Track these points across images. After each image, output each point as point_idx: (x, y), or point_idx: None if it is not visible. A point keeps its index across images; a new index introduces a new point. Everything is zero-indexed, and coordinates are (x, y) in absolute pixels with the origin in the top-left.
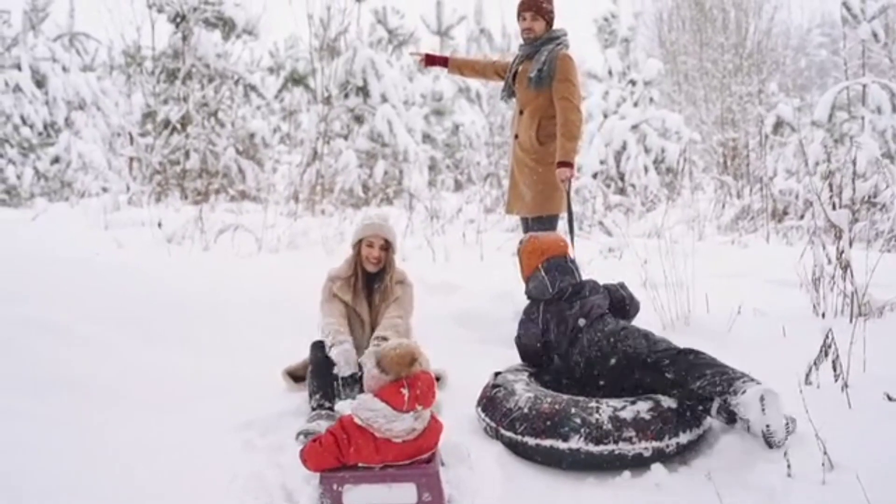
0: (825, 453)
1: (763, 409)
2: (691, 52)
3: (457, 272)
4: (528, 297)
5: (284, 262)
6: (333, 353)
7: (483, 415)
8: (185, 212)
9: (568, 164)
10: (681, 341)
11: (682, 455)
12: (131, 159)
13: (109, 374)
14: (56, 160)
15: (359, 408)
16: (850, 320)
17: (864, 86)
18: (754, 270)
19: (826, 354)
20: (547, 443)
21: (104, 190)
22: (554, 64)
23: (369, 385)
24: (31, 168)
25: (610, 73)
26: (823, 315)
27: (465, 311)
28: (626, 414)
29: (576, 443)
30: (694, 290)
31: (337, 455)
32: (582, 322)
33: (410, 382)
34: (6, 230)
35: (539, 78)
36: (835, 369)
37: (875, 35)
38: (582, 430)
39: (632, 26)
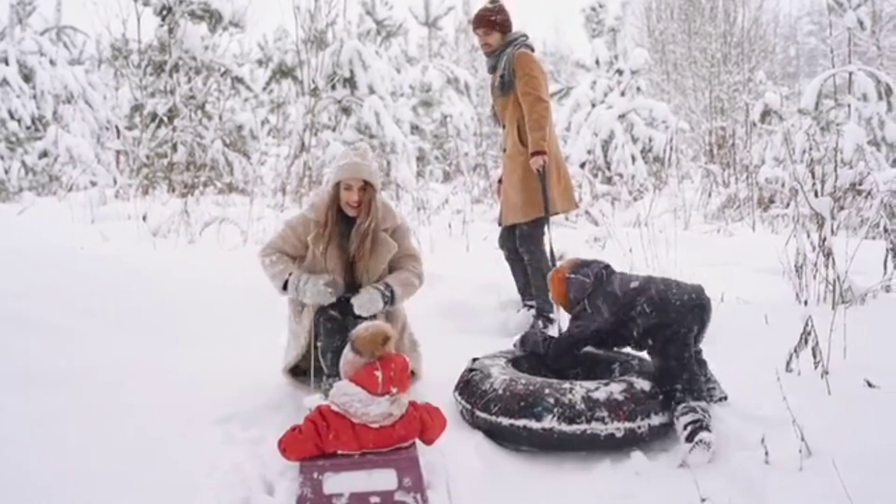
0: (803, 440)
1: (689, 450)
2: (680, 42)
3: (442, 263)
4: (575, 306)
5: None
6: (309, 291)
7: (460, 398)
8: (172, 205)
9: (539, 153)
10: None
11: (660, 441)
12: (118, 153)
13: (90, 367)
14: (44, 154)
15: (335, 394)
16: (832, 307)
17: (851, 73)
18: (739, 259)
19: (806, 342)
20: (521, 422)
21: (92, 184)
22: (512, 65)
23: (345, 370)
24: (19, 162)
25: (597, 62)
26: (806, 303)
27: (450, 302)
28: (599, 395)
29: (549, 422)
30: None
31: (317, 442)
32: (634, 284)
33: (383, 365)
34: None
35: (503, 84)
36: (815, 356)
37: (861, 23)
38: (555, 410)
39: (619, 16)
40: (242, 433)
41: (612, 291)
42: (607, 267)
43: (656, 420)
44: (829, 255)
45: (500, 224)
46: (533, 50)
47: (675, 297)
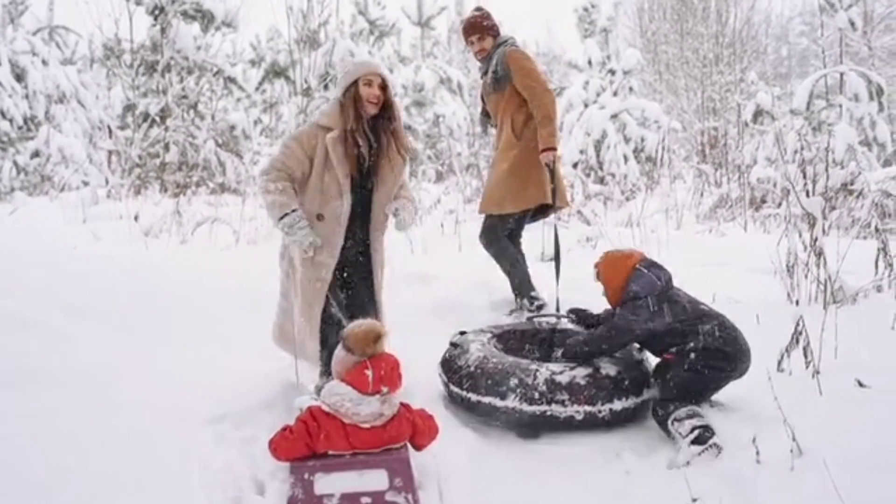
0: (794, 440)
1: (699, 453)
2: (672, 42)
3: (434, 263)
4: (630, 299)
5: (262, 254)
6: (298, 236)
7: (441, 371)
8: (164, 205)
9: (550, 149)
10: None
11: (651, 440)
12: (110, 153)
13: (82, 367)
14: (36, 154)
15: (326, 394)
16: (824, 307)
17: (842, 74)
18: (731, 259)
19: (797, 341)
20: (487, 400)
21: (84, 184)
22: (505, 62)
23: (336, 369)
24: (11, 162)
25: (590, 62)
26: (797, 302)
27: (442, 302)
28: (562, 378)
29: (511, 402)
30: None
31: (308, 442)
32: (704, 307)
33: (374, 363)
34: None
35: (496, 79)
36: (806, 356)
37: (852, 23)
38: (518, 391)
39: (611, 16)
40: (234, 433)
41: (679, 302)
42: (671, 279)
43: (619, 405)
44: (820, 254)
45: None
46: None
47: (742, 339)
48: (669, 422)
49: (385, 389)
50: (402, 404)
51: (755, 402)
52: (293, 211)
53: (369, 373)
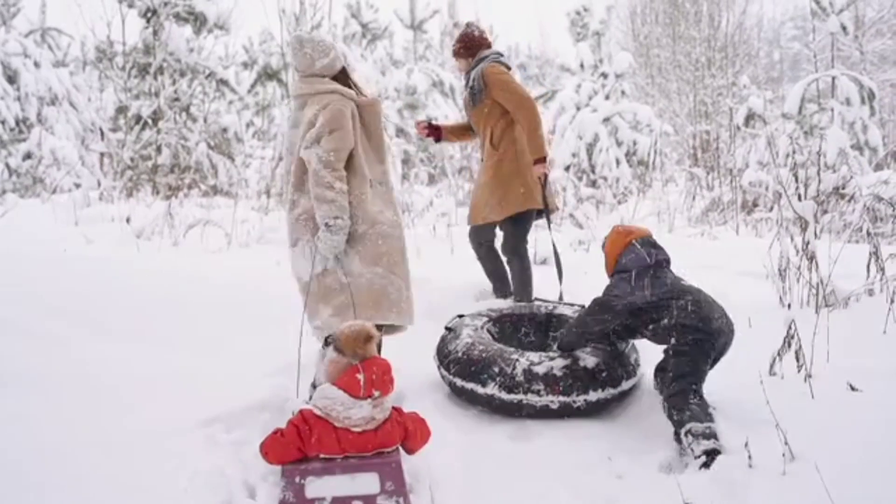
0: (786, 444)
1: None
2: (664, 46)
3: (427, 266)
4: (619, 271)
5: (254, 256)
6: (333, 244)
7: (435, 355)
8: (156, 207)
9: (541, 160)
10: None
11: (643, 444)
12: (102, 155)
13: (72, 370)
14: (28, 156)
15: (317, 397)
16: (816, 311)
17: (834, 78)
18: (723, 262)
19: (789, 345)
20: (469, 386)
21: (76, 186)
22: (480, 78)
23: (328, 371)
24: (3, 164)
25: (582, 66)
26: (789, 306)
27: (435, 305)
28: (540, 369)
29: (491, 389)
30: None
31: (299, 446)
32: (686, 284)
33: (366, 367)
34: None
35: (472, 94)
36: (798, 360)
37: (844, 28)
38: (497, 379)
39: (603, 20)
40: (225, 436)
41: (663, 279)
42: (668, 261)
43: (594, 396)
44: (812, 258)
45: (470, 223)
46: (508, 68)
47: (718, 313)
48: (683, 432)
49: (377, 393)
50: (393, 408)
51: (747, 406)
52: (345, 219)
53: (361, 377)
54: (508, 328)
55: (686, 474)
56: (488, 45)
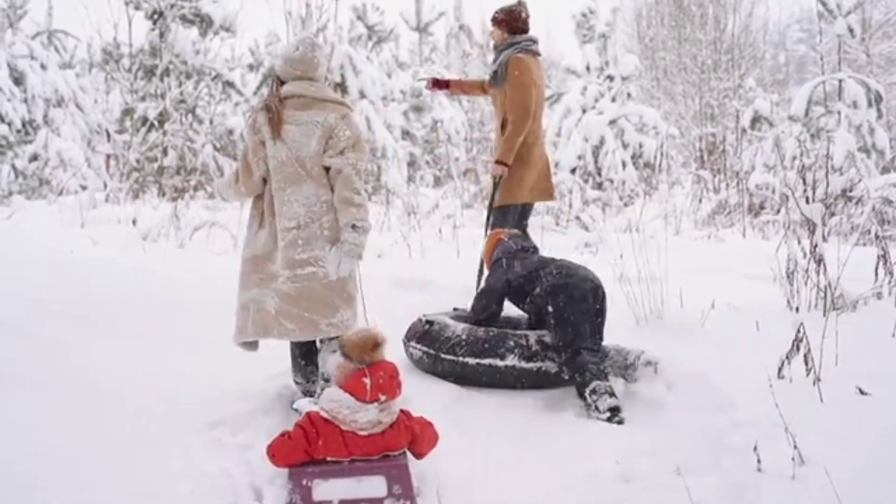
0: (795, 448)
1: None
2: (670, 48)
3: (432, 268)
4: (494, 262)
5: None
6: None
7: (419, 346)
8: (162, 209)
9: (501, 163)
10: (653, 336)
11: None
12: (108, 157)
13: (77, 372)
14: (34, 158)
15: (323, 400)
16: (824, 314)
17: (841, 81)
18: (730, 265)
19: (798, 349)
20: (486, 361)
21: (82, 188)
22: (504, 67)
23: (335, 374)
24: (9, 166)
25: (588, 68)
26: (797, 309)
27: (440, 307)
28: (548, 339)
29: (511, 361)
30: (668, 285)
31: (306, 448)
32: (546, 259)
33: (372, 371)
34: None
35: (494, 78)
36: (806, 363)
37: (851, 30)
38: (516, 351)
39: (609, 22)
40: (231, 439)
41: (530, 258)
42: (536, 249)
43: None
44: (820, 261)
45: None
46: (537, 55)
47: (584, 270)
48: (587, 392)
49: (383, 398)
50: (401, 411)
51: (756, 410)
52: (369, 222)
53: (367, 381)
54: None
55: (695, 477)
56: (526, 31)
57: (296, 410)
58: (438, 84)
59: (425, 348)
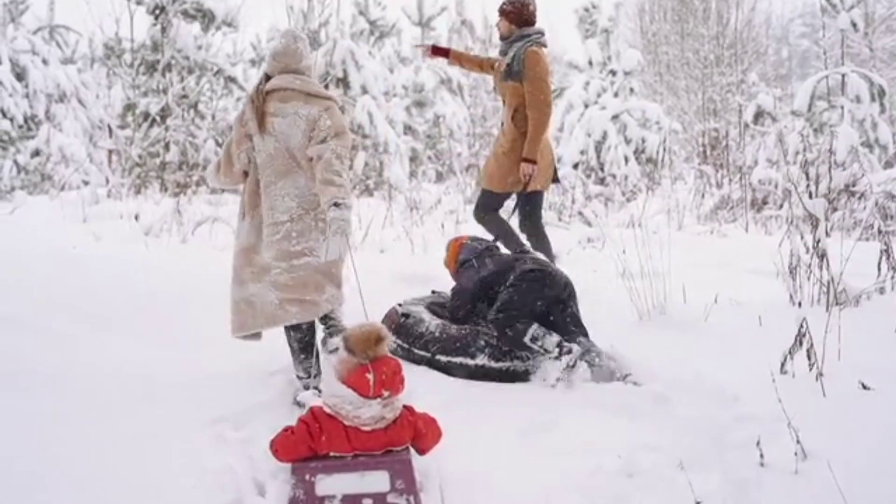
0: (798, 442)
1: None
2: (673, 43)
3: (434, 263)
4: (461, 266)
5: None
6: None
7: (393, 338)
8: (164, 204)
9: (531, 161)
10: (656, 332)
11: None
12: (110, 152)
13: (80, 367)
14: (36, 153)
15: (326, 395)
16: (827, 309)
17: (844, 75)
18: (733, 260)
19: (801, 344)
20: (458, 360)
21: (84, 183)
22: (521, 60)
23: (338, 369)
24: (11, 161)
25: (590, 63)
26: (800, 304)
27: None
28: (437, 334)
29: (481, 360)
30: (671, 280)
31: (309, 443)
32: (517, 255)
33: (375, 367)
34: None
35: (510, 72)
36: (809, 358)
37: (854, 24)
38: (486, 350)
39: (612, 17)
40: (233, 434)
41: (499, 255)
42: (498, 248)
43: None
44: (823, 256)
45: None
46: (545, 46)
47: (555, 269)
48: (528, 340)
49: (386, 393)
50: (405, 407)
51: (759, 405)
52: (350, 200)
53: (370, 376)
54: (444, 317)
55: (698, 472)
56: (533, 24)
57: (299, 404)
58: (438, 51)
59: (399, 341)
